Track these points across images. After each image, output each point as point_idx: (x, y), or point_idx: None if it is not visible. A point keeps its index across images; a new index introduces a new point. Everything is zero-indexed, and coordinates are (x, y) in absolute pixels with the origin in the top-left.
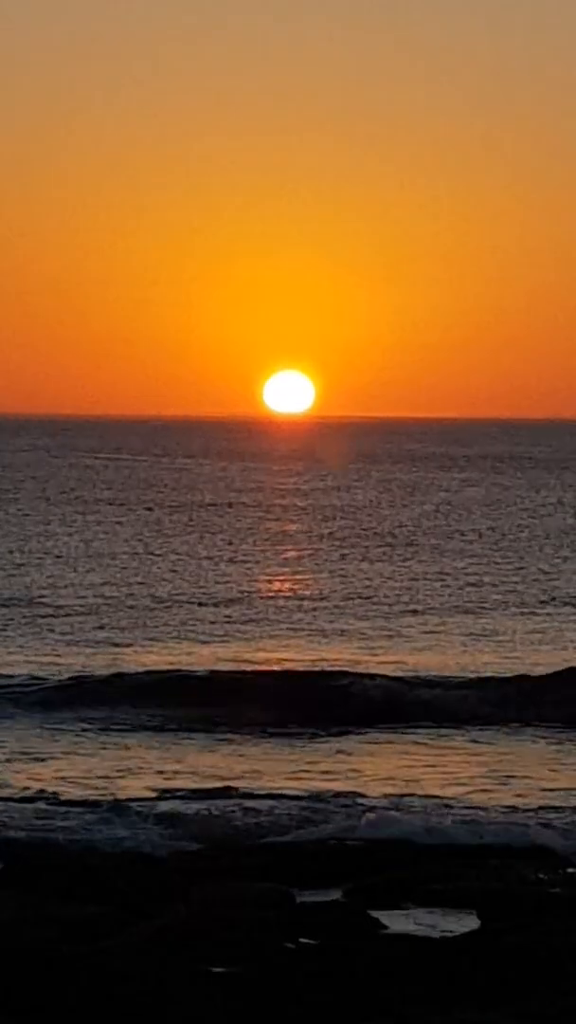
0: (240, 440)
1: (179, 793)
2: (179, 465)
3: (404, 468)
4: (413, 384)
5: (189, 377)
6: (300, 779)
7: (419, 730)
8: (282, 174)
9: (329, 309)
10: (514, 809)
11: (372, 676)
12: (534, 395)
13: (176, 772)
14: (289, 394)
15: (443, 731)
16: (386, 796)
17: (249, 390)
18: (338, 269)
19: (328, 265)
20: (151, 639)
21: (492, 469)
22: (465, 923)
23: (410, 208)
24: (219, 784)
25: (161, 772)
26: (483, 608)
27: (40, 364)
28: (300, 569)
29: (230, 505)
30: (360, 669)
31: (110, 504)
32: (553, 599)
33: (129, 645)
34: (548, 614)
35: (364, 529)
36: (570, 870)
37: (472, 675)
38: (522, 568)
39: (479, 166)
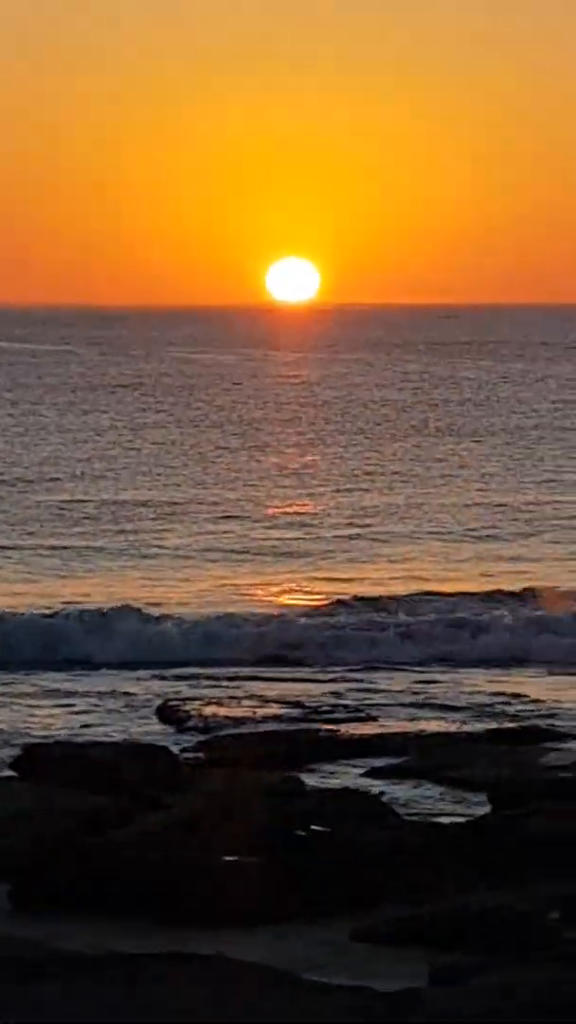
0: (243, 328)
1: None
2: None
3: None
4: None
5: (190, 266)
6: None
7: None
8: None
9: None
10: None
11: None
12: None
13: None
14: (293, 282)
15: None
16: None
17: (251, 279)
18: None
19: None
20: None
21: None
22: (476, 807)
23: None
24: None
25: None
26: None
27: (32, 257)
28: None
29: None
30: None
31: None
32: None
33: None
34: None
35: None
36: None
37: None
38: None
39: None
